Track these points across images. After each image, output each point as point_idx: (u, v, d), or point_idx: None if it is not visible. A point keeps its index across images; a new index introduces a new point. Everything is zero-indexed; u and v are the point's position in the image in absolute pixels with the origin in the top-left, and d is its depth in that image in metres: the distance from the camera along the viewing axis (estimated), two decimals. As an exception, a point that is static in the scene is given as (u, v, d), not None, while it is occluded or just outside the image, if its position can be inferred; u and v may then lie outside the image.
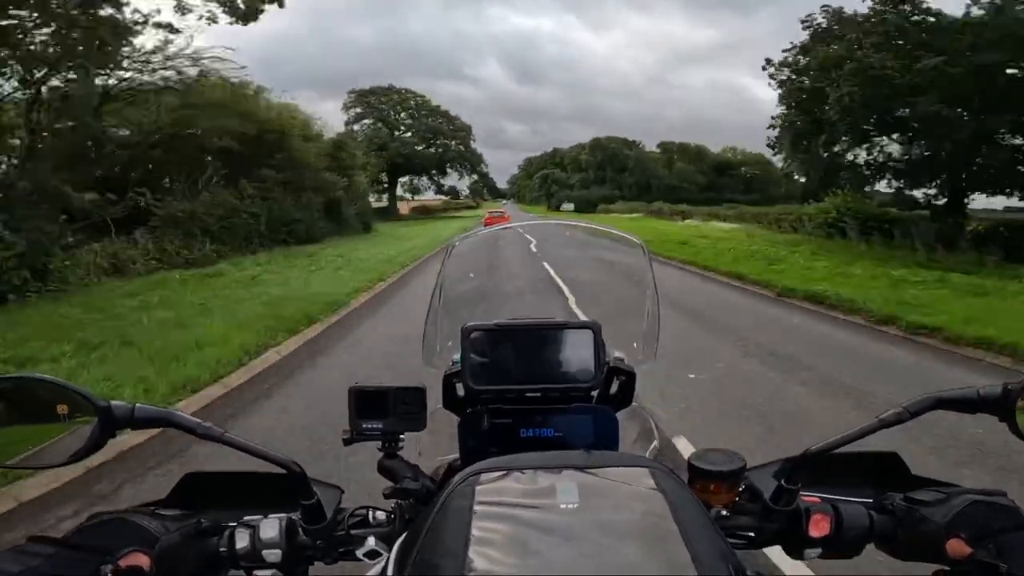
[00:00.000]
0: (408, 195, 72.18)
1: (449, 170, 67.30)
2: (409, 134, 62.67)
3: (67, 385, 0.59)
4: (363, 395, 0.72)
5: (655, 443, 0.86)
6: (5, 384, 0.61)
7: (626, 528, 0.50)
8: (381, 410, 0.72)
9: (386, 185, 60.63)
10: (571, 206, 72.70)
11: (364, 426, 0.72)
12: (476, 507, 0.53)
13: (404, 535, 0.59)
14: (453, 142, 65.36)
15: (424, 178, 68.53)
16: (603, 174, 78.44)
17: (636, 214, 47.93)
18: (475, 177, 70.44)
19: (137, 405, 0.60)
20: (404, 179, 67.17)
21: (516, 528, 0.50)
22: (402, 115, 62.54)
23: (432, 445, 0.84)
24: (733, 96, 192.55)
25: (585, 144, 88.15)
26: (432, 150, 64.04)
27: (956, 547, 0.54)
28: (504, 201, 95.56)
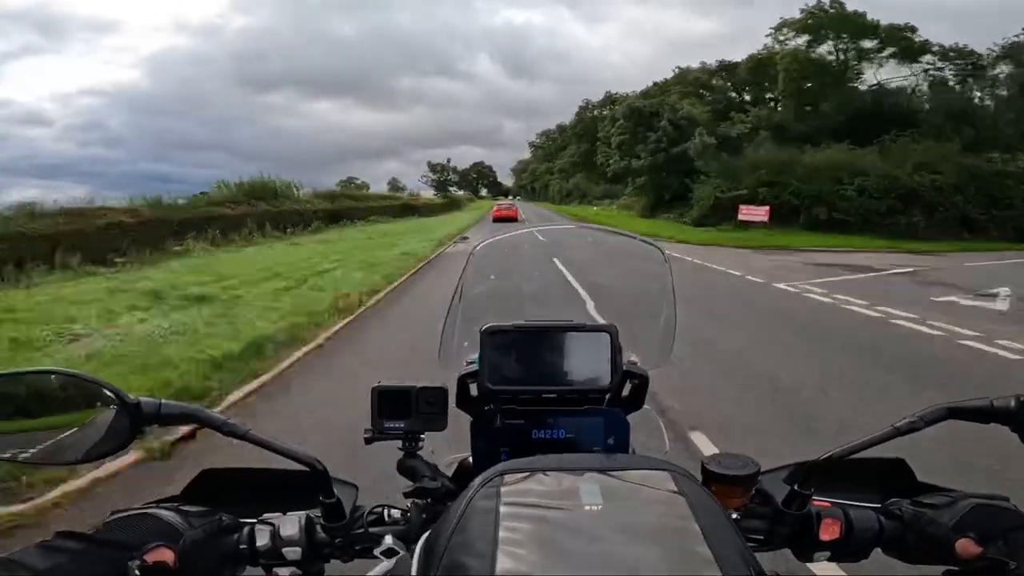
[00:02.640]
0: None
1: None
2: None
3: (93, 379, 0.58)
4: (386, 395, 0.72)
5: (666, 447, 0.87)
6: (25, 377, 0.60)
7: (649, 530, 0.51)
8: (404, 409, 0.72)
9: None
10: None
11: (386, 425, 0.72)
12: (502, 508, 0.53)
13: (427, 534, 0.59)
14: None
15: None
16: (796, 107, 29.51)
17: None
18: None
19: (164, 401, 0.59)
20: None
21: (543, 528, 0.50)
22: None
23: (442, 444, 0.84)
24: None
25: (685, 69, 35.92)
26: None
27: (966, 547, 0.58)
28: (510, 197, 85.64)
